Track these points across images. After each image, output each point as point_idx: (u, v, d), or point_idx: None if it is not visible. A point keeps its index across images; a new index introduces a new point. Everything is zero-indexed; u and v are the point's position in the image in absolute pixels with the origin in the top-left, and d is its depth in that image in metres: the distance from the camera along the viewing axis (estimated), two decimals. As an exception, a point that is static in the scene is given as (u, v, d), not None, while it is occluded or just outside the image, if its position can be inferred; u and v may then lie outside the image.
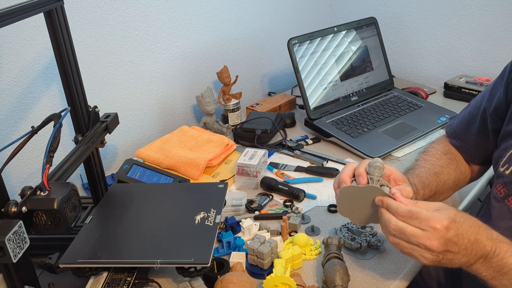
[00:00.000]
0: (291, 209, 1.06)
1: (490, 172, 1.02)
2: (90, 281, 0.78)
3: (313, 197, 1.11)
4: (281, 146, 1.35)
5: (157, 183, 1.10)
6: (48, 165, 0.68)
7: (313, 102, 1.42)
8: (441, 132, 1.34)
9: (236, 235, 0.97)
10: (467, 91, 1.56)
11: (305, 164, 1.26)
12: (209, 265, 0.75)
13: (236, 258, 0.89)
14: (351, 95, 1.51)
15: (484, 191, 1.13)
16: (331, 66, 1.47)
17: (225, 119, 1.51)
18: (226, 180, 1.19)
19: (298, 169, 1.23)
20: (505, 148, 0.83)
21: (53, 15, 0.80)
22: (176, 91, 1.48)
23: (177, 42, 1.43)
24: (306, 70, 1.42)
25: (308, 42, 1.42)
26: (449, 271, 1.03)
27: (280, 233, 0.97)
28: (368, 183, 0.77)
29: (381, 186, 0.77)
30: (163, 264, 0.75)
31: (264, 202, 1.09)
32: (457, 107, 1.50)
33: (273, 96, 1.65)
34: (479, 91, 1.51)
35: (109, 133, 0.96)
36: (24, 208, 0.66)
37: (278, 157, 1.31)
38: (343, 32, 1.50)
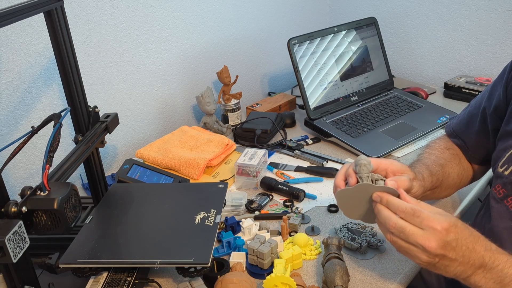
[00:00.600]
0: (291, 209, 1.06)
1: (490, 172, 1.02)
2: (90, 281, 0.78)
3: (313, 197, 1.11)
4: (281, 146, 1.35)
5: (157, 183, 1.10)
6: (48, 165, 0.68)
7: (313, 102, 1.42)
8: (441, 132, 1.34)
9: (236, 235, 0.97)
10: (467, 91, 1.56)
11: (305, 164, 1.26)
12: (209, 265, 0.75)
13: (236, 258, 0.89)
14: (351, 95, 1.51)
15: (484, 191, 1.13)
16: (331, 66, 1.47)
17: (225, 119, 1.51)
18: (226, 180, 1.19)
19: (298, 169, 1.23)
20: (503, 149, 0.83)
21: (53, 15, 0.80)
22: (176, 91, 1.48)
23: (177, 42, 1.43)
24: (306, 70, 1.42)
25: (308, 42, 1.42)
26: None
27: (280, 233, 0.97)
28: (358, 182, 0.77)
29: (375, 181, 0.76)
30: (163, 264, 0.75)
31: (264, 202, 1.09)
32: (457, 107, 1.50)
33: (273, 96, 1.65)
34: (479, 91, 1.51)
35: (109, 133, 0.96)
36: (24, 208, 0.66)
37: (278, 157, 1.31)
38: (343, 32, 1.50)
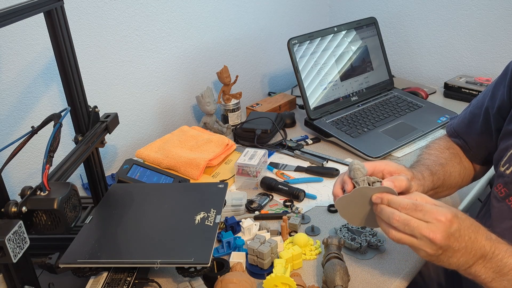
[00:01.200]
0: (291, 209, 1.06)
1: (490, 172, 1.02)
2: (90, 281, 0.78)
3: (313, 197, 1.11)
4: (281, 146, 1.35)
5: (157, 183, 1.10)
6: (48, 165, 0.68)
7: (313, 102, 1.42)
8: (441, 132, 1.34)
9: (236, 235, 0.97)
10: (467, 91, 1.56)
11: (305, 164, 1.26)
12: (209, 265, 0.75)
13: (236, 258, 0.89)
14: (351, 95, 1.51)
15: (484, 191, 1.13)
16: (331, 66, 1.47)
17: (225, 119, 1.51)
18: (226, 180, 1.19)
19: (298, 169, 1.23)
20: (505, 148, 0.83)
21: (53, 15, 0.80)
22: (176, 91, 1.48)
23: (177, 42, 1.43)
24: (306, 70, 1.42)
25: (308, 42, 1.42)
26: (449, 271, 1.03)
27: (280, 233, 0.97)
28: (354, 187, 0.77)
29: (372, 183, 0.76)
30: (163, 264, 0.75)
31: (264, 202, 1.09)
32: (457, 107, 1.50)
33: (273, 96, 1.65)
34: (479, 91, 1.52)
35: (109, 133, 0.96)
36: (24, 208, 0.66)
37: (278, 157, 1.31)
38: (343, 32, 1.50)
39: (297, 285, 0.79)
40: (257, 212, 1.05)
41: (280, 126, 1.41)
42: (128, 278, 0.78)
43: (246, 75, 1.72)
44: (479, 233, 0.68)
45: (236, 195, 1.08)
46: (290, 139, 1.39)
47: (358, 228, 0.95)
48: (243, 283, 0.77)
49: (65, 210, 0.67)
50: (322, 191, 1.13)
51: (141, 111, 1.40)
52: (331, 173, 1.19)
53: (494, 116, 0.88)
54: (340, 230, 0.95)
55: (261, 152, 1.19)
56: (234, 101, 1.49)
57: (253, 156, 1.17)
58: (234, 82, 1.50)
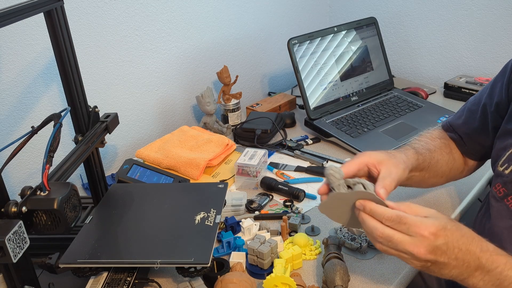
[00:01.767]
0: (291, 209, 1.06)
1: (490, 171, 1.02)
2: (90, 281, 0.78)
3: (313, 197, 1.11)
4: (281, 146, 1.35)
5: (157, 183, 1.10)
6: (48, 165, 0.68)
7: (313, 102, 1.42)
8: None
9: (236, 235, 0.97)
10: (467, 91, 1.56)
11: (305, 164, 1.26)
12: (209, 265, 0.75)
13: (236, 258, 0.89)
14: (351, 95, 1.51)
15: (484, 191, 1.13)
16: (331, 66, 1.47)
17: (225, 119, 1.51)
18: (226, 180, 1.19)
19: (298, 169, 1.23)
20: (503, 147, 0.82)
21: (53, 15, 0.80)
22: (176, 91, 1.48)
23: (177, 42, 1.43)
24: (306, 70, 1.42)
25: (308, 42, 1.42)
26: None
27: (280, 233, 0.97)
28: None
29: (353, 186, 0.73)
30: (163, 264, 0.75)
31: (264, 202, 1.09)
32: (457, 107, 1.47)
33: (273, 96, 1.65)
34: (479, 91, 1.52)
35: (109, 133, 0.96)
36: (24, 208, 0.66)
37: (278, 157, 1.31)
38: (343, 32, 1.50)
39: (297, 285, 0.79)
40: (257, 212, 1.05)
41: (280, 126, 1.41)
42: (128, 278, 0.78)
43: (246, 75, 1.72)
44: (472, 244, 0.65)
45: (236, 195, 1.08)
46: (290, 139, 1.39)
47: (358, 228, 0.95)
48: (243, 283, 0.77)
49: (65, 210, 0.67)
50: (322, 191, 1.13)
51: (141, 111, 1.40)
52: (331, 173, 1.19)
53: (492, 114, 0.88)
54: (340, 230, 0.95)
55: (261, 152, 1.19)
56: (234, 101, 1.49)
57: (253, 156, 1.17)
58: (234, 82, 1.50)
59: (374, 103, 1.51)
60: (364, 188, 0.72)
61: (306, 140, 1.38)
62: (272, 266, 0.85)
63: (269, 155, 1.31)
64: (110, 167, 1.34)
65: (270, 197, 1.11)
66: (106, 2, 1.21)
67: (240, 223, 0.98)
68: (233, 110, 1.49)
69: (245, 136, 1.37)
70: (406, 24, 1.78)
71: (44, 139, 0.79)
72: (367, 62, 1.56)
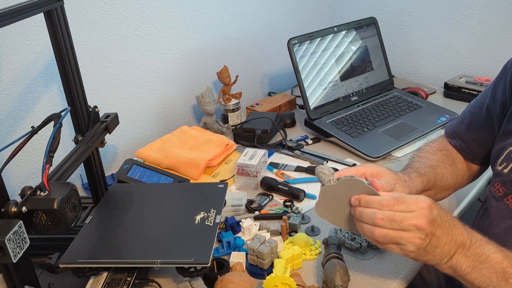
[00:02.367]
0: (291, 209, 1.06)
1: (490, 171, 1.02)
2: (90, 281, 0.78)
3: (313, 197, 1.11)
4: (281, 146, 1.35)
5: (157, 183, 1.10)
6: (48, 165, 0.68)
7: (313, 102, 1.42)
8: (441, 132, 1.34)
9: (236, 235, 0.97)
10: (467, 91, 1.56)
11: (305, 164, 1.26)
12: (209, 265, 0.75)
13: (236, 258, 0.89)
14: (351, 95, 1.51)
15: (484, 191, 1.13)
16: (331, 66, 1.47)
17: (225, 119, 1.51)
18: (226, 180, 1.19)
19: (298, 169, 1.23)
20: (502, 147, 0.82)
21: (53, 15, 0.80)
22: (176, 91, 1.48)
23: (177, 42, 1.43)
24: (306, 70, 1.42)
25: (308, 42, 1.42)
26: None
27: (280, 233, 0.97)
28: None
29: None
30: (163, 264, 0.75)
31: (264, 202, 1.09)
32: (457, 107, 1.50)
33: (273, 96, 1.65)
34: (479, 91, 1.51)
35: (109, 133, 0.96)
36: (24, 208, 0.66)
37: (278, 157, 1.31)
38: (343, 32, 1.50)
39: (297, 285, 0.79)
40: (257, 212, 1.05)
41: (280, 126, 1.41)
42: (128, 278, 0.78)
43: (246, 75, 1.72)
44: (455, 220, 0.69)
45: (236, 195, 1.08)
46: (290, 139, 1.39)
47: (357, 232, 0.94)
48: (243, 283, 0.77)
49: (65, 210, 0.67)
50: (322, 191, 1.13)
51: (141, 111, 1.40)
52: (331, 173, 1.19)
53: (498, 116, 0.87)
54: (340, 230, 0.95)
55: (261, 152, 1.19)
56: (234, 101, 1.49)
57: (253, 156, 1.17)
58: (234, 82, 1.50)
59: (374, 103, 1.51)
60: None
61: (306, 140, 1.38)
62: (272, 266, 0.85)
63: (269, 155, 1.31)
64: (110, 167, 1.34)
65: (270, 197, 1.11)
66: (106, 2, 1.21)
67: (240, 223, 0.98)
68: (233, 110, 1.49)
69: (245, 136, 1.37)
70: (406, 24, 1.78)
71: (44, 139, 0.79)
72: (367, 62, 1.56)
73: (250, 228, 0.97)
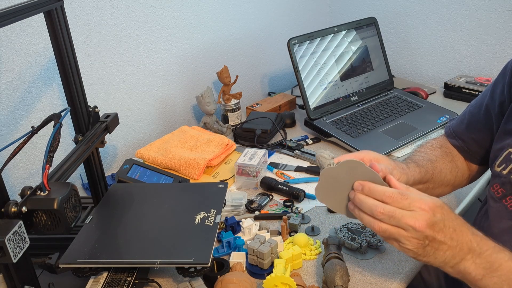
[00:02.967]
0: (291, 209, 1.06)
1: (490, 172, 1.02)
2: (90, 281, 0.78)
3: (313, 197, 1.11)
4: (281, 146, 1.35)
5: (157, 183, 1.10)
6: (48, 165, 0.68)
7: (313, 102, 1.42)
8: (441, 132, 1.34)
9: (236, 235, 0.97)
10: (467, 91, 1.56)
11: (305, 164, 1.26)
12: (209, 265, 0.75)
13: (236, 258, 0.89)
14: (351, 95, 1.51)
15: (484, 191, 1.13)
16: (331, 66, 1.47)
17: (225, 119, 1.51)
18: (226, 180, 1.19)
19: (298, 169, 1.23)
20: (501, 148, 0.82)
21: (53, 15, 0.80)
22: (176, 91, 1.48)
23: (177, 42, 1.43)
24: (306, 70, 1.42)
25: (308, 42, 1.42)
26: (450, 275, 1.02)
27: (280, 233, 0.97)
28: None
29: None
30: (163, 264, 0.75)
31: (264, 202, 1.09)
32: (457, 107, 1.50)
33: (273, 96, 1.65)
34: (479, 91, 1.52)
35: (109, 133, 0.96)
36: (24, 208, 0.66)
37: (278, 157, 1.31)
38: (343, 32, 1.50)
39: (297, 285, 0.79)
40: (257, 212, 1.05)
41: (280, 126, 1.41)
42: (128, 278, 0.78)
43: (246, 75, 1.72)
44: (464, 226, 0.67)
45: (236, 195, 1.08)
46: (290, 139, 1.39)
47: (358, 228, 0.95)
48: (243, 283, 0.77)
49: (65, 210, 0.67)
50: (322, 191, 1.13)
51: (141, 111, 1.40)
52: (331, 173, 1.19)
53: (497, 116, 0.87)
54: (340, 230, 0.95)
55: (261, 152, 1.19)
56: (234, 101, 1.49)
57: (253, 156, 1.17)
58: (234, 82, 1.50)
59: (374, 103, 1.51)
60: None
61: (306, 140, 1.38)
62: (272, 266, 0.85)
63: (269, 155, 1.31)
64: (110, 167, 1.34)
65: (270, 197, 1.11)
66: (106, 2, 1.21)
67: (240, 223, 0.98)
68: (233, 110, 1.49)
69: (245, 136, 1.37)
70: (406, 24, 1.78)
71: (44, 139, 0.79)
72: (367, 62, 1.56)
73: (250, 228, 0.97)
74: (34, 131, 0.74)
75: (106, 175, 1.01)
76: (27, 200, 0.66)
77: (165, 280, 0.86)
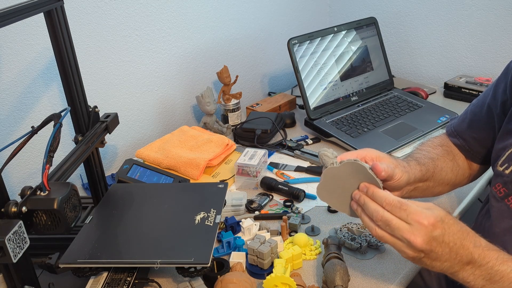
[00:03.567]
0: (291, 209, 1.06)
1: (490, 172, 1.02)
2: (90, 281, 0.78)
3: (313, 197, 1.11)
4: (281, 146, 1.35)
5: (157, 183, 1.10)
6: (48, 165, 0.68)
7: (313, 102, 1.42)
8: (441, 132, 1.33)
9: (236, 235, 0.97)
10: (467, 91, 1.56)
11: (305, 164, 1.26)
12: (209, 265, 0.75)
13: (236, 258, 0.89)
14: (351, 95, 1.51)
15: (485, 191, 1.13)
16: (331, 66, 1.47)
17: (225, 119, 1.51)
18: (226, 180, 1.19)
19: (298, 169, 1.23)
20: (503, 147, 0.82)
21: (53, 15, 0.80)
22: (176, 91, 1.48)
23: (177, 42, 1.43)
24: (306, 70, 1.42)
25: (308, 42, 1.42)
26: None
27: (280, 233, 0.97)
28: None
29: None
30: (163, 264, 0.75)
31: (264, 202, 1.09)
32: (457, 107, 1.50)
33: (273, 96, 1.65)
34: (479, 91, 1.52)
35: (109, 133, 0.96)
36: (24, 208, 0.66)
37: (278, 157, 1.31)
38: (343, 32, 1.50)
39: (297, 285, 0.79)
40: (257, 212, 1.05)
41: (280, 126, 1.41)
42: (128, 278, 0.78)
43: (246, 75, 1.72)
44: (466, 239, 0.66)
45: (236, 195, 1.08)
46: (290, 139, 1.39)
47: (358, 228, 0.95)
48: (243, 283, 0.77)
49: (65, 210, 0.67)
50: (322, 191, 1.13)
51: (141, 111, 1.40)
52: (331, 173, 1.19)
53: (499, 115, 0.87)
54: (340, 230, 0.95)
55: (261, 152, 1.19)
56: (234, 101, 1.49)
57: (253, 156, 1.17)
58: (234, 82, 1.50)
59: (374, 103, 1.51)
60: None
61: (306, 140, 1.38)
62: (272, 266, 0.85)
63: (269, 155, 1.31)
64: (110, 167, 1.34)
65: (270, 197, 1.11)
66: (106, 2, 1.21)
67: (240, 223, 0.98)
68: (233, 110, 1.49)
69: (245, 136, 1.37)
70: (406, 24, 1.78)
71: (44, 139, 0.79)
72: (367, 62, 1.56)
73: (250, 228, 0.97)
74: (34, 131, 0.74)
75: (106, 175, 1.01)
76: (27, 200, 0.66)
77: (165, 280, 0.86)
